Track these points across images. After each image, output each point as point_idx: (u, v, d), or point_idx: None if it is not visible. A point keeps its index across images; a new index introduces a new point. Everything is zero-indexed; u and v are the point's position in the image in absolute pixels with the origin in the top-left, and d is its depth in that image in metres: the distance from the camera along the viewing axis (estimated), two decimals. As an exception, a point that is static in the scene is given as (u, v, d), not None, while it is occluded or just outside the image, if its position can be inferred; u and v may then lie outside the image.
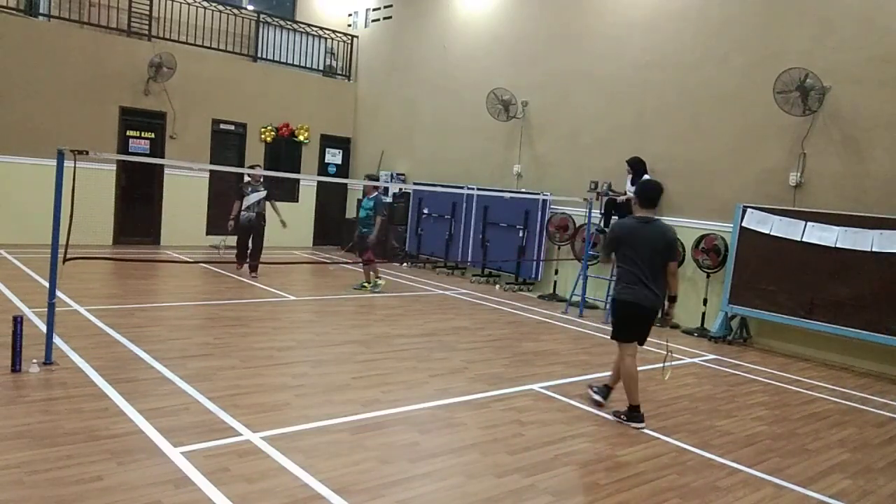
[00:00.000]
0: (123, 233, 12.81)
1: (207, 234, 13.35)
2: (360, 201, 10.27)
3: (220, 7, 13.76)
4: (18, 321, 5.08)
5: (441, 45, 13.51)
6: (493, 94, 11.69)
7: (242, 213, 10.25)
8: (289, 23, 14.94)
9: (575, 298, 9.77)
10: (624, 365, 5.14)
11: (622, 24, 10.36)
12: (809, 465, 4.55)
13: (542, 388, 5.81)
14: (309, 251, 14.40)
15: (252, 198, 10.24)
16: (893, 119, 7.61)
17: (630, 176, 9.60)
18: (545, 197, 10.80)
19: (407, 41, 14.38)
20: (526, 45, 11.81)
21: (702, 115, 9.35)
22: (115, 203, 12.59)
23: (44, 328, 5.53)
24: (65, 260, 5.23)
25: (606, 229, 9.98)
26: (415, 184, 13.09)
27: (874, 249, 7.28)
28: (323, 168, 15.32)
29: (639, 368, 5.19)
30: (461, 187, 12.32)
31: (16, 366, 5.02)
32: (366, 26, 15.54)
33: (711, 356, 7.67)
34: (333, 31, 15.47)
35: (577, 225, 10.56)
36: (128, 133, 12.69)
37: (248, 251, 10.34)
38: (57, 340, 5.59)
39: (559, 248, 10.97)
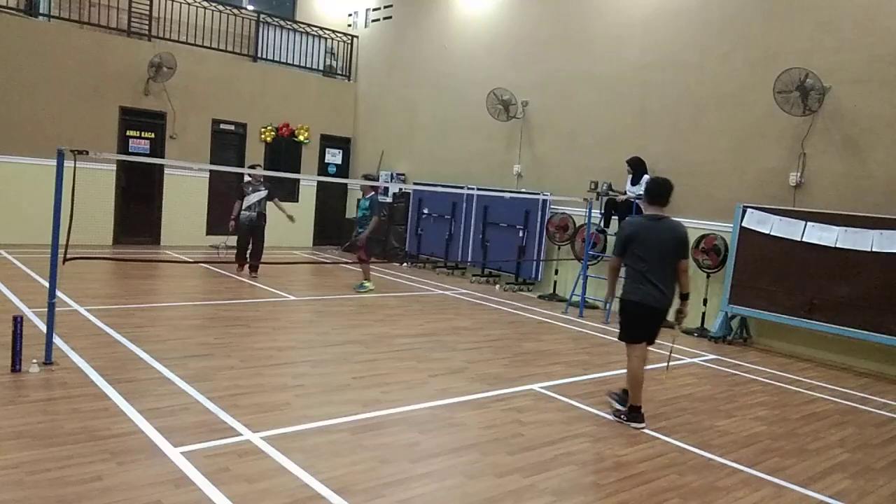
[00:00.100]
0: (123, 233, 12.81)
1: (207, 234, 13.35)
2: (359, 201, 10.26)
3: (220, 7, 13.76)
4: (18, 321, 5.08)
5: (441, 45, 13.51)
6: (493, 94, 11.69)
7: (243, 212, 10.21)
8: (289, 23, 14.94)
9: (575, 298, 9.77)
10: (630, 366, 5.10)
11: (622, 24, 10.37)
12: (809, 465, 4.55)
13: (542, 388, 5.81)
14: (309, 251, 14.40)
15: (252, 198, 10.22)
16: (893, 119, 7.61)
17: (630, 176, 9.61)
18: (545, 197, 10.80)
19: (407, 41, 14.38)
20: (526, 45, 11.81)
21: (702, 115, 9.35)
22: (115, 203, 12.59)
23: (44, 328, 5.53)
24: (65, 260, 5.23)
25: (606, 229, 10.01)
26: (415, 184, 13.09)
27: (874, 249, 7.28)
28: (323, 168, 15.32)
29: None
30: (461, 187, 12.32)
31: (16, 366, 5.02)
32: (366, 26, 15.54)
33: (711, 356, 7.67)
34: (333, 31, 15.47)
35: (577, 225, 10.56)
36: (128, 133, 12.69)
37: (249, 252, 10.30)
38: (57, 340, 5.59)
39: (559, 248, 10.97)
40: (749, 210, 8.34)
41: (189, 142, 13.18)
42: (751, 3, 8.88)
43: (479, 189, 12.17)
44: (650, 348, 5.24)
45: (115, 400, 4.63)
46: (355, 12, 15.80)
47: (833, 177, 8.08)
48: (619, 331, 5.26)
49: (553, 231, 10.91)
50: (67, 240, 5.18)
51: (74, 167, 5.06)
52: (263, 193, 10.29)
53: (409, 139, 14.26)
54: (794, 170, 8.35)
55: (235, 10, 14.10)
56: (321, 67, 15.48)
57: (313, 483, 3.64)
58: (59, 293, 5.62)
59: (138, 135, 12.80)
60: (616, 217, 9.79)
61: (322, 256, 13.64)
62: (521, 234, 11.37)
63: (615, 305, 5.30)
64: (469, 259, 12.33)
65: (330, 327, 7.66)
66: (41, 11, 12.35)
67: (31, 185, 11.29)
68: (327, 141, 15.34)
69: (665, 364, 6.33)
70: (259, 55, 14.43)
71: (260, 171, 10.52)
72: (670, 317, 5.17)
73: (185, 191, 13.16)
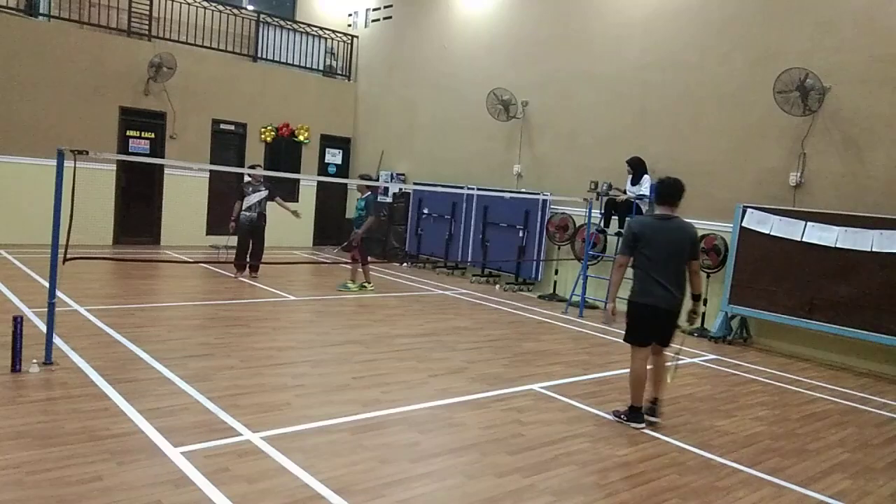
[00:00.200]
0: (123, 233, 12.81)
1: (207, 234, 13.35)
2: (357, 201, 10.24)
3: (220, 7, 13.76)
4: (18, 321, 5.08)
5: (441, 45, 13.51)
6: (493, 94, 11.69)
7: (243, 213, 10.13)
8: (289, 23, 14.94)
9: (575, 298, 9.77)
10: (633, 367, 5.06)
11: (622, 24, 10.37)
12: (809, 465, 4.55)
13: (542, 388, 5.81)
14: (309, 251, 14.40)
15: (253, 198, 10.15)
16: (893, 119, 7.61)
17: (630, 176, 9.61)
18: (545, 197, 10.80)
19: (407, 41, 14.38)
20: (526, 45, 11.81)
21: (702, 115, 9.35)
22: (115, 203, 12.59)
23: (44, 328, 5.53)
24: (65, 260, 5.24)
25: (606, 229, 10.01)
26: (415, 184, 13.09)
27: (874, 249, 7.28)
28: (323, 168, 15.32)
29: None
30: (461, 187, 12.32)
31: (16, 366, 5.02)
32: (366, 26, 15.54)
33: (711, 356, 7.67)
34: (333, 31, 15.47)
35: (577, 225, 10.56)
36: (128, 133, 12.69)
37: (248, 253, 10.20)
38: (57, 340, 5.58)
39: (559, 248, 10.97)
40: (749, 210, 8.34)
41: (189, 142, 13.18)
42: (751, 3, 8.88)
43: (479, 189, 12.17)
44: (666, 352, 5.16)
45: (115, 400, 4.64)
46: (355, 12, 15.80)
47: (833, 177, 8.08)
48: (624, 332, 5.19)
49: (553, 231, 10.91)
50: (67, 240, 5.18)
51: (74, 167, 5.06)
52: (264, 194, 10.23)
53: (409, 139, 14.26)
54: (794, 170, 8.35)
55: (235, 10, 14.10)
56: (321, 67, 15.48)
57: (313, 483, 3.64)
58: (59, 293, 5.62)
59: (138, 135, 12.81)
60: (616, 217, 9.79)
61: (322, 256, 13.64)
62: (521, 234, 11.37)
63: (605, 319, 5.24)
64: (469, 259, 12.33)
65: (330, 327, 7.66)
66: (41, 11, 12.36)
67: (31, 185, 11.29)
68: (327, 141, 15.34)
69: (672, 363, 6.31)
70: (259, 55, 14.43)
71: (260, 172, 10.46)
72: (682, 318, 5.10)
73: (185, 191, 13.16)
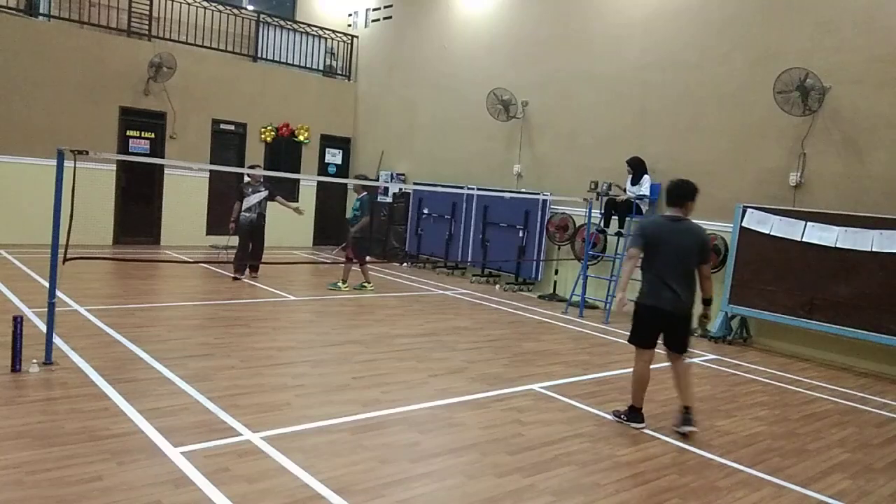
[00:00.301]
0: (123, 233, 12.81)
1: (207, 234, 13.35)
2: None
3: (220, 7, 13.76)
4: (18, 321, 5.08)
5: (441, 45, 13.51)
6: (493, 94, 11.69)
7: (243, 214, 10.04)
8: (289, 23, 14.94)
9: (575, 298, 9.77)
10: (636, 368, 5.03)
11: (622, 24, 10.37)
12: (809, 465, 4.55)
13: (542, 388, 5.81)
14: (309, 251, 14.40)
15: (252, 199, 10.05)
16: (893, 119, 7.61)
17: (630, 176, 9.61)
18: (545, 197, 10.80)
19: (407, 41, 14.38)
20: (526, 45, 11.81)
21: (702, 115, 9.35)
22: (115, 203, 12.59)
23: (44, 328, 5.52)
24: (65, 260, 5.23)
25: (606, 229, 10.01)
26: (415, 184, 13.09)
27: (874, 249, 7.28)
28: (323, 168, 15.32)
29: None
30: (461, 187, 12.32)
31: (16, 366, 5.02)
32: (366, 26, 15.54)
33: (711, 356, 7.67)
34: (333, 31, 15.47)
35: (577, 225, 10.56)
36: (128, 133, 12.69)
37: (248, 254, 10.14)
38: (57, 340, 5.58)
39: (559, 248, 10.97)
40: (749, 210, 8.34)
41: (189, 142, 13.18)
42: (751, 3, 8.88)
43: (479, 189, 12.17)
44: (688, 360, 5.06)
45: (115, 400, 4.64)
46: (355, 12, 15.80)
47: (833, 177, 8.08)
48: (629, 334, 5.13)
49: (553, 231, 10.91)
50: (67, 240, 5.18)
51: (74, 167, 5.06)
52: (264, 194, 10.15)
53: (409, 139, 14.26)
54: (794, 170, 8.35)
55: (235, 10, 14.10)
56: (321, 67, 15.48)
57: (313, 483, 3.64)
58: (59, 293, 5.62)
59: (138, 135, 12.81)
60: (616, 217, 9.79)
61: (322, 256, 13.64)
62: (521, 234, 11.37)
63: (615, 306, 5.18)
64: (469, 259, 12.33)
65: (330, 327, 7.66)
66: (41, 11, 12.36)
67: (31, 185, 11.29)
68: (327, 141, 15.34)
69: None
70: (259, 55, 14.43)
71: (259, 172, 10.40)
72: (693, 323, 5.06)
73: (185, 191, 13.16)
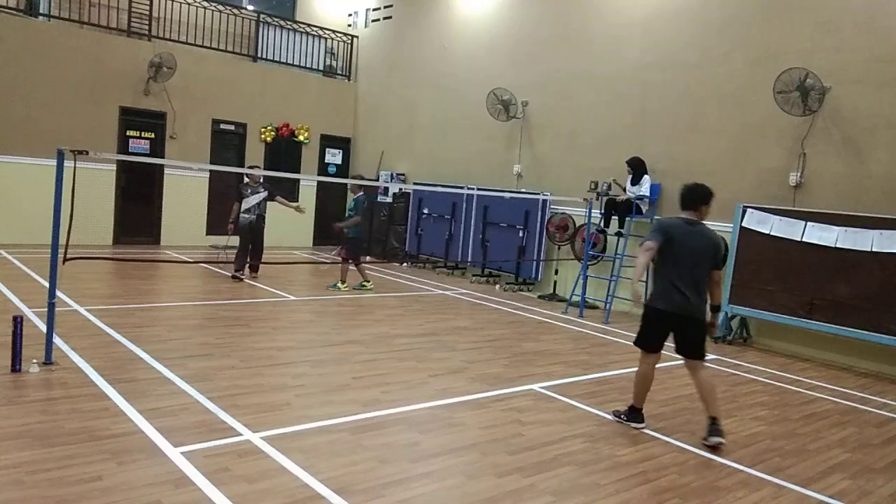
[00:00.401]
0: (123, 233, 12.81)
1: (207, 234, 13.34)
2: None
3: (220, 7, 13.76)
4: (18, 321, 5.08)
5: (441, 45, 13.51)
6: (493, 94, 11.69)
7: (242, 215, 9.98)
8: (289, 23, 14.94)
9: (575, 298, 9.77)
10: (640, 370, 4.99)
11: (622, 24, 10.37)
12: (809, 465, 4.55)
13: (542, 388, 5.81)
14: (309, 251, 14.40)
15: (252, 199, 10.00)
16: (893, 119, 7.61)
17: (630, 176, 9.61)
18: (545, 197, 10.80)
19: (407, 41, 14.38)
20: (526, 45, 11.81)
21: (702, 115, 9.35)
22: (115, 203, 12.60)
23: (44, 328, 5.52)
24: (65, 260, 5.24)
25: (606, 229, 10.01)
26: (415, 184, 13.10)
27: (874, 249, 7.28)
28: (323, 168, 15.32)
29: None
30: (461, 187, 12.32)
31: (16, 366, 5.02)
32: (366, 26, 15.54)
33: (711, 356, 7.64)
34: (333, 31, 15.47)
35: (577, 225, 10.56)
36: (128, 133, 12.69)
37: (248, 256, 10.09)
38: (57, 340, 5.58)
39: (559, 248, 10.97)
40: (749, 210, 8.34)
41: (189, 142, 13.18)
42: (751, 3, 8.88)
43: (479, 189, 12.17)
44: (664, 352, 5.01)
45: (115, 400, 4.64)
46: (355, 12, 15.80)
47: (833, 177, 8.08)
48: (636, 336, 5.07)
49: (553, 231, 10.91)
50: (67, 240, 5.18)
51: (74, 167, 5.06)
52: (263, 195, 10.09)
53: (409, 139, 14.26)
54: (794, 170, 8.35)
55: (235, 10, 14.10)
56: (321, 67, 15.48)
57: (313, 483, 3.64)
58: (59, 293, 5.62)
59: (138, 135, 12.81)
60: (616, 217, 9.79)
61: (322, 257, 13.64)
62: (521, 234, 11.37)
63: (632, 299, 4.92)
64: (469, 259, 12.33)
65: (330, 327, 7.66)
66: (41, 11, 12.36)
67: (31, 185, 11.29)
68: (327, 141, 15.34)
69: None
70: (259, 55, 14.43)
71: (259, 172, 10.36)
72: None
73: (185, 191, 13.16)
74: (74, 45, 12.01)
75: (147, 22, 12.86)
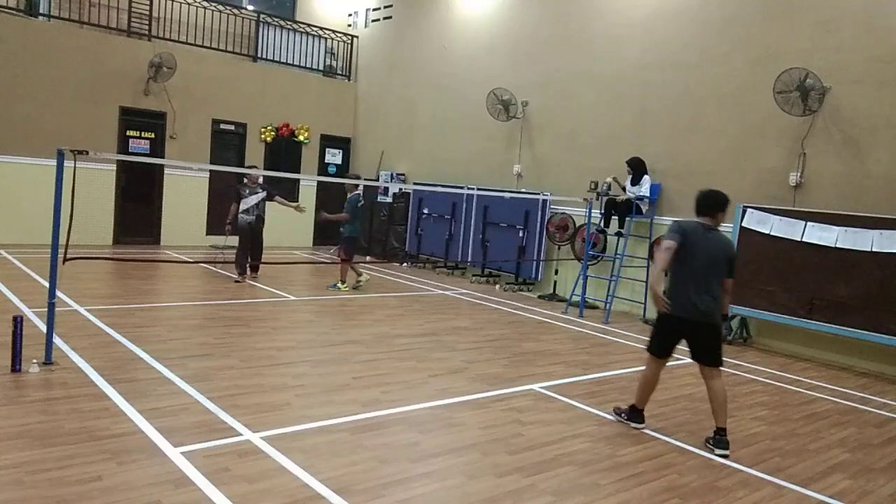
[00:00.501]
0: (123, 233, 12.81)
1: (207, 234, 13.34)
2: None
3: (220, 7, 13.76)
4: (18, 321, 5.08)
5: (441, 45, 13.51)
6: (493, 94, 11.69)
7: (241, 216, 9.91)
8: (289, 23, 14.94)
9: (575, 298, 9.77)
10: (646, 373, 4.96)
11: (622, 24, 10.37)
12: (809, 465, 4.55)
13: (542, 388, 5.81)
14: (309, 251, 14.40)
15: (250, 200, 9.93)
16: (893, 119, 7.61)
17: (630, 176, 9.60)
18: (545, 197, 10.80)
19: (407, 41, 14.38)
20: (526, 45, 11.81)
21: (702, 115, 9.35)
22: (115, 203, 12.60)
23: (44, 328, 5.52)
24: (65, 260, 5.24)
25: (606, 229, 10.00)
26: (415, 184, 13.09)
27: (874, 249, 7.28)
28: (323, 168, 15.32)
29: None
30: (461, 187, 12.32)
31: (16, 366, 5.02)
32: (366, 26, 15.54)
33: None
34: (333, 31, 15.47)
35: (577, 225, 10.56)
36: (128, 133, 12.69)
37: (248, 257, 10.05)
38: (57, 340, 5.58)
39: (559, 248, 10.97)
40: (749, 210, 8.34)
41: (189, 142, 13.18)
42: (751, 3, 8.88)
43: (479, 189, 12.17)
44: (677, 356, 4.95)
45: (115, 400, 4.63)
46: (355, 12, 15.80)
47: (833, 177, 8.08)
48: (648, 340, 5.04)
49: (553, 231, 10.91)
50: (67, 240, 5.18)
51: (74, 167, 5.06)
52: (262, 195, 10.04)
53: (409, 139, 14.26)
54: (794, 170, 8.35)
55: (235, 10, 14.10)
56: (321, 67, 15.48)
57: (313, 483, 3.64)
58: (59, 293, 5.62)
59: (138, 135, 12.81)
60: (616, 217, 9.78)
61: (322, 257, 13.64)
62: (521, 234, 11.37)
63: (656, 303, 4.78)
64: (469, 259, 12.33)
65: (330, 327, 7.66)
66: (41, 11, 12.36)
67: (31, 185, 11.29)
68: (327, 141, 15.34)
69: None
70: (259, 55, 14.43)
71: (257, 172, 10.29)
72: None
73: (185, 191, 13.17)
74: (74, 45, 12.01)
75: (147, 22, 12.86)
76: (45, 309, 5.34)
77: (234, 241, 10.28)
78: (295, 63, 14.92)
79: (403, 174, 14.25)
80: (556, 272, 10.97)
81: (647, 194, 9.43)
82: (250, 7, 14.74)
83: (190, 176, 13.29)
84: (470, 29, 12.93)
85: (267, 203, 10.24)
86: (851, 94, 7.90)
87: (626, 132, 10.20)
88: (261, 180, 10.15)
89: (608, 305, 9.45)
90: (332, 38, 15.59)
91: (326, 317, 8.21)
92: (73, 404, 4.50)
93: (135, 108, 12.64)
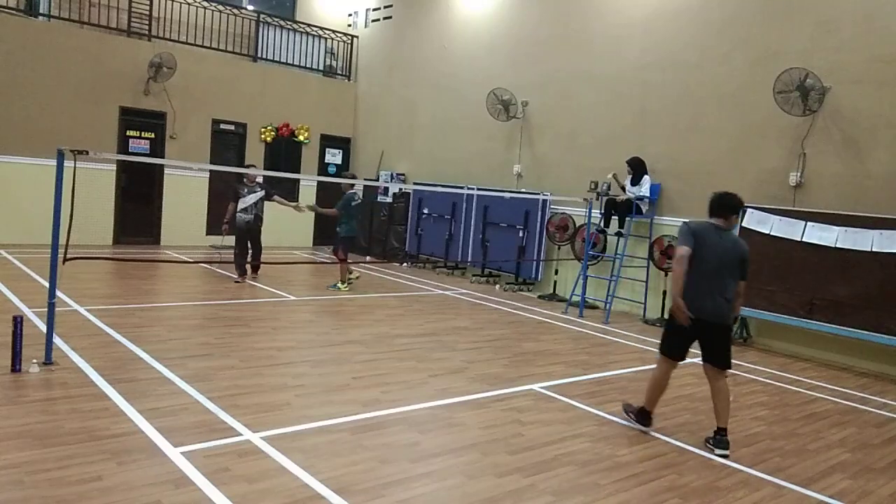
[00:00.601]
0: (123, 233, 12.81)
1: (207, 234, 13.34)
2: (357, 201, 10.19)
3: (220, 7, 13.76)
4: (18, 321, 5.08)
5: (441, 45, 13.51)
6: (493, 94, 11.69)
7: (239, 215, 9.86)
8: (289, 23, 14.94)
9: (575, 298, 9.77)
10: (656, 374, 4.94)
11: (622, 24, 10.37)
12: (809, 465, 4.55)
13: (542, 388, 5.81)
14: (309, 251, 14.40)
15: (249, 199, 9.88)
16: (893, 119, 7.61)
17: (630, 176, 9.60)
18: (545, 197, 10.80)
19: (407, 41, 14.38)
20: (526, 45, 11.81)
21: (702, 115, 9.35)
22: (115, 203, 12.59)
23: (44, 328, 5.52)
24: (65, 260, 5.24)
25: (606, 229, 10.00)
26: (415, 184, 13.09)
27: (874, 249, 7.28)
28: (323, 168, 15.32)
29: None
30: (461, 187, 12.32)
31: (16, 366, 5.02)
32: (366, 26, 15.54)
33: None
34: (333, 31, 15.47)
35: (577, 225, 10.56)
36: (128, 133, 12.69)
37: (247, 255, 10.03)
38: (57, 340, 5.58)
39: (559, 248, 10.97)
40: (749, 210, 8.34)
41: (189, 142, 13.18)
42: (751, 3, 8.88)
43: (479, 189, 12.17)
44: (690, 360, 4.93)
45: (115, 400, 4.63)
46: (355, 12, 15.80)
47: (833, 177, 8.08)
48: (660, 342, 5.01)
49: (553, 231, 10.91)
50: (67, 240, 5.18)
51: (74, 167, 5.06)
52: (260, 195, 9.98)
53: (409, 139, 14.26)
54: (794, 170, 8.35)
55: (235, 10, 14.10)
56: (321, 67, 15.48)
57: (313, 483, 3.64)
58: (59, 293, 5.62)
59: (138, 135, 12.81)
60: (616, 217, 9.78)
61: (322, 256, 13.64)
62: (521, 234, 11.37)
63: (679, 317, 4.70)
64: (469, 259, 12.33)
65: (330, 327, 7.66)
66: (41, 11, 12.36)
67: (31, 185, 11.29)
68: (327, 141, 15.34)
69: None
70: (259, 55, 14.43)
71: (256, 172, 10.25)
72: None
73: (185, 191, 13.17)
74: (74, 45, 12.01)
75: (147, 22, 12.86)
76: (45, 309, 5.34)
77: (231, 240, 10.23)
78: (295, 63, 14.91)
79: (403, 174, 14.25)
80: (556, 272, 10.97)
81: (647, 194, 9.43)
82: (250, 7, 14.74)
83: (190, 176, 13.29)
84: (470, 29, 12.93)
85: (266, 203, 10.22)
86: (851, 94, 7.90)
87: (626, 132, 10.19)
88: (259, 179, 10.14)
89: (608, 305, 9.45)
90: (332, 38, 15.59)
91: (326, 317, 8.21)
92: (73, 404, 4.50)
93: (135, 108, 12.64)
